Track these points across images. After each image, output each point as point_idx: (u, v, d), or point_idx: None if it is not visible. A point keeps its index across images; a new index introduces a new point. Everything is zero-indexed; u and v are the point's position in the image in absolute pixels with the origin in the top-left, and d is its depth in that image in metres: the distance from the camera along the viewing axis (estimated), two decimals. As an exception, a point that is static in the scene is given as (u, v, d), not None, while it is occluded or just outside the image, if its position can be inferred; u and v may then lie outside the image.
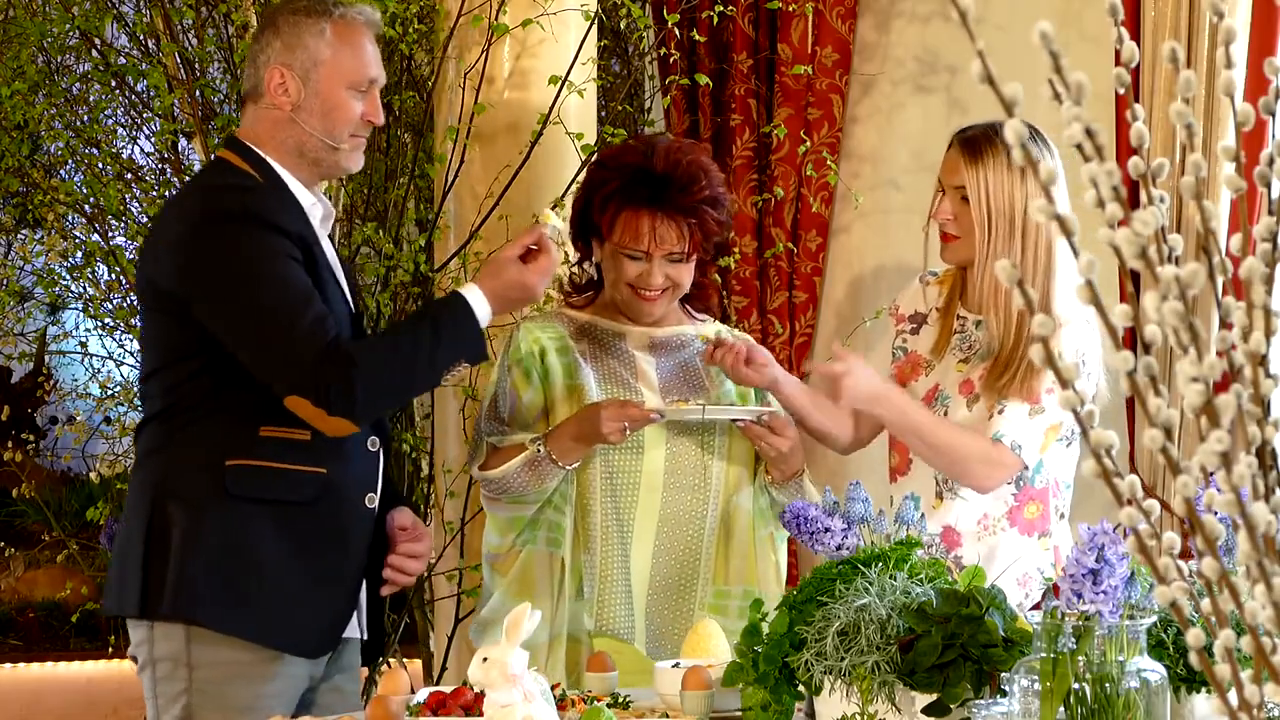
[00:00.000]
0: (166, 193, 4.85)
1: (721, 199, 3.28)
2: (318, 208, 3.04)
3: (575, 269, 3.43)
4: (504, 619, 3.26)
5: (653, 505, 3.27)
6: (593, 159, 3.49)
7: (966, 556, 3.25)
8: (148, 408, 3.06)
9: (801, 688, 2.50)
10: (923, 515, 2.73)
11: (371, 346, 2.95)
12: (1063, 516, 3.37)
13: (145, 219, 4.78)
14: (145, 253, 3.10)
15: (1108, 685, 2.17)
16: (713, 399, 3.33)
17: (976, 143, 3.27)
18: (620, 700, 2.75)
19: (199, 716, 2.90)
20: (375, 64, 3.04)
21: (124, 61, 4.85)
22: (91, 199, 4.81)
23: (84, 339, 6.53)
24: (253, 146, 3.01)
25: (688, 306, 3.43)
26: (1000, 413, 3.26)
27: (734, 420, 3.28)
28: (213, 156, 3.38)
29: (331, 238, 3.16)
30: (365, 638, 3.11)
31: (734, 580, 3.31)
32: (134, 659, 2.99)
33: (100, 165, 4.91)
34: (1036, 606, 2.45)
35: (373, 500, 3.04)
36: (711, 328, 3.45)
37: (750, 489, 3.34)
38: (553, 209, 3.79)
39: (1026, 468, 3.28)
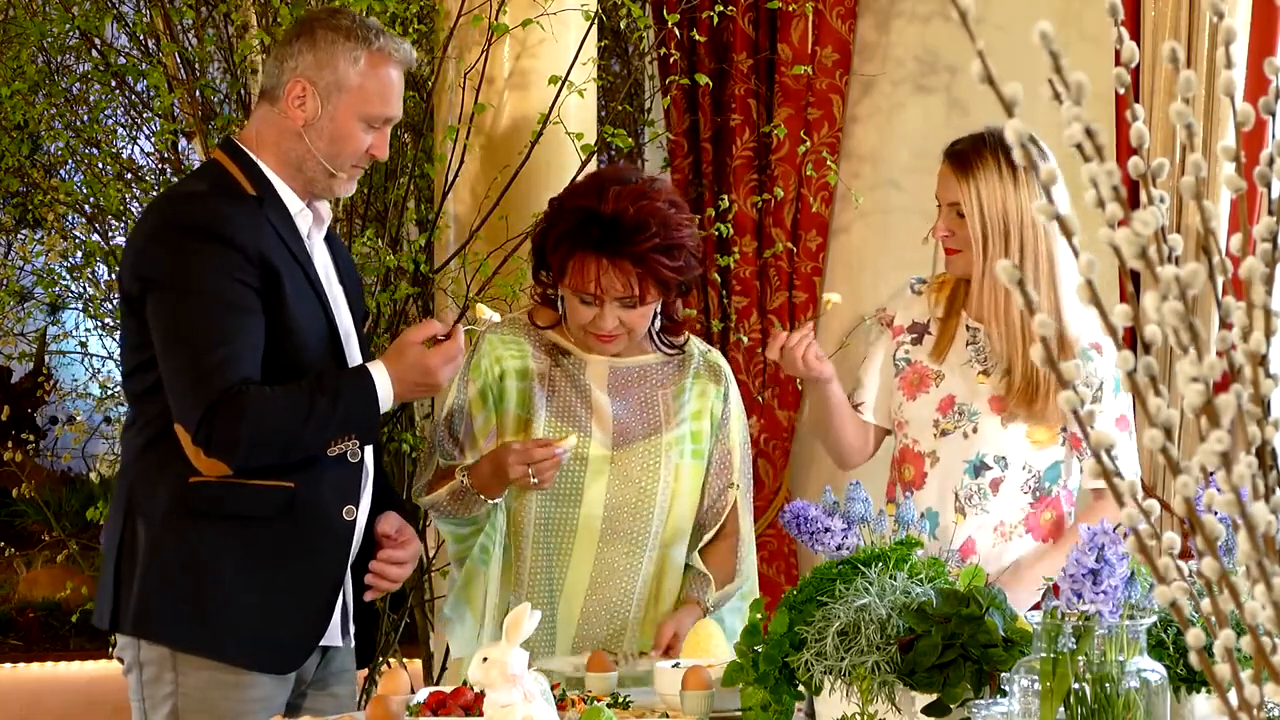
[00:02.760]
0: (166, 193, 4.85)
1: (678, 245, 3.15)
2: (306, 215, 2.99)
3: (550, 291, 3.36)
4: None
5: (587, 554, 3.23)
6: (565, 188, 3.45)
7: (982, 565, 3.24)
8: (127, 414, 3.05)
9: (801, 688, 2.50)
10: (933, 531, 2.72)
11: (268, 400, 2.83)
12: None
13: (145, 219, 4.78)
14: (123, 252, 3.07)
15: (1108, 685, 2.17)
16: (669, 433, 3.28)
17: (965, 156, 3.26)
18: (620, 700, 2.75)
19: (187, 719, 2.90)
20: (397, 102, 2.98)
21: (124, 61, 4.86)
22: (91, 199, 4.81)
23: (84, 339, 6.55)
24: (249, 151, 2.97)
25: (662, 338, 3.35)
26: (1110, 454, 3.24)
27: None
28: (209, 157, 3.36)
29: (330, 239, 3.12)
30: (345, 645, 3.05)
31: None
32: (120, 659, 2.99)
33: (100, 165, 4.91)
34: (1036, 606, 2.45)
35: (352, 513, 2.97)
36: (696, 345, 3.41)
37: (684, 544, 3.30)
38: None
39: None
